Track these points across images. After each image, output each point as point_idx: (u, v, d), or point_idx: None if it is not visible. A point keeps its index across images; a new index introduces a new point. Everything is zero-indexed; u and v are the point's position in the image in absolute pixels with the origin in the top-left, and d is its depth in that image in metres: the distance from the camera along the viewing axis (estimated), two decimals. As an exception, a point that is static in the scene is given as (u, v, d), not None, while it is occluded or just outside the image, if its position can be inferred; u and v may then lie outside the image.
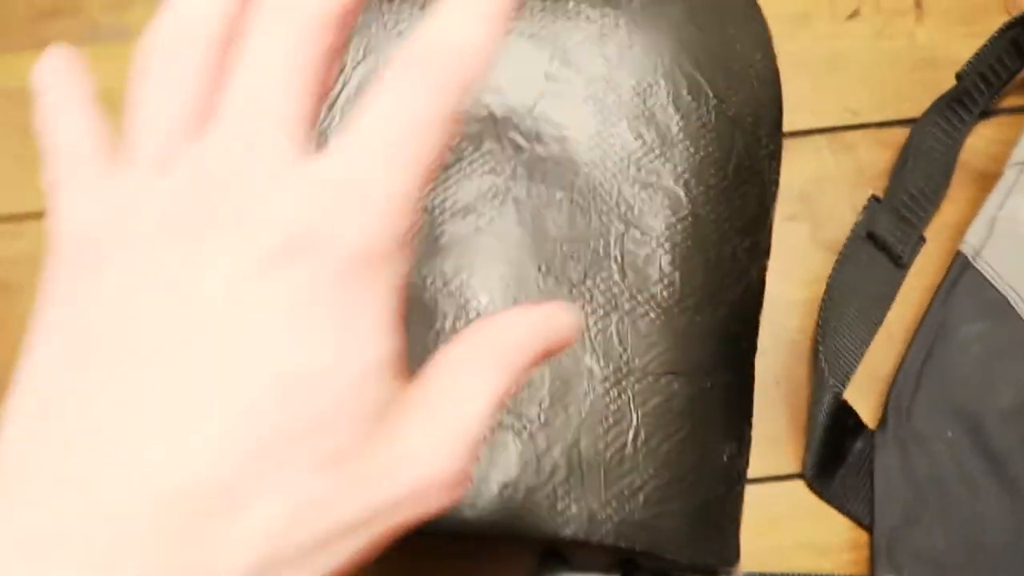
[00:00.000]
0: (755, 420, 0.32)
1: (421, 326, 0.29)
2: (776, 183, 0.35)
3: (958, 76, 0.35)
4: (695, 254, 0.31)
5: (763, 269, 0.34)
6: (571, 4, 0.33)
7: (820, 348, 0.31)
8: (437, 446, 0.16)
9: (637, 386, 0.29)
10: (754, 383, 0.32)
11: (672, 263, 0.31)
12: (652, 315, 0.30)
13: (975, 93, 0.35)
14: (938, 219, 0.35)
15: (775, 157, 0.35)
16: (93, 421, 0.14)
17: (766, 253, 0.34)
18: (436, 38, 0.16)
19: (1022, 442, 0.29)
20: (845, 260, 0.33)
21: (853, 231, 0.34)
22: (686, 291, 0.30)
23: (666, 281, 0.30)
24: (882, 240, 0.34)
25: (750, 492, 0.31)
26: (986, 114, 0.36)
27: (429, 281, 0.30)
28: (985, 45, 0.34)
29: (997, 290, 0.32)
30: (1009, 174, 0.33)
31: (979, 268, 0.32)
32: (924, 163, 0.35)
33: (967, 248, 0.33)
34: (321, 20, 0.16)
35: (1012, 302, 0.31)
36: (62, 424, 0.15)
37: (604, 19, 0.33)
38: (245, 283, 0.15)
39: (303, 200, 0.15)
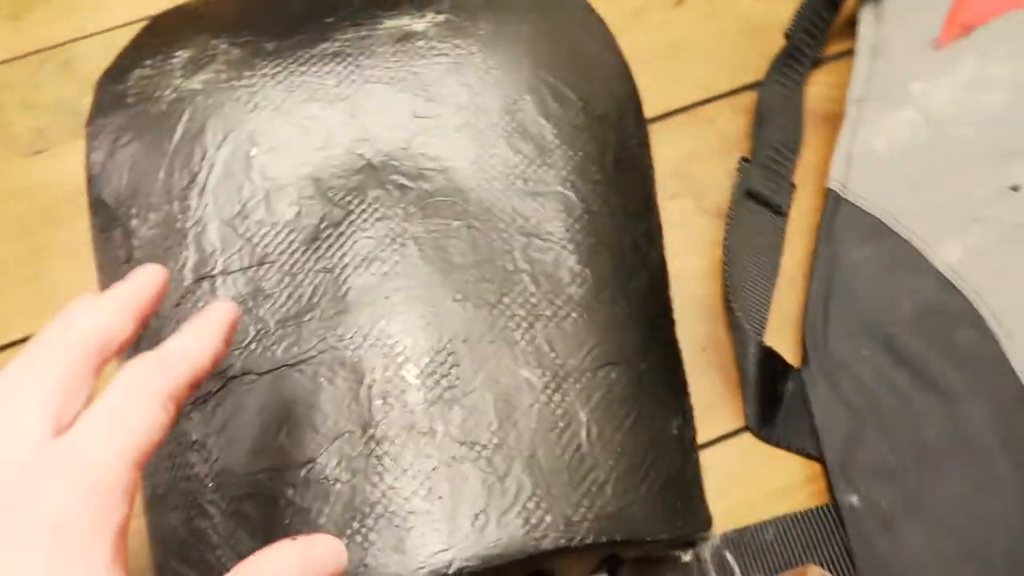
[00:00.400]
0: (692, 388, 0.33)
1: (352, 382, 0.29)
2: (651, 168, 0.37)
3: (786, 35, 0.38)
4: (599, 248, 0.32)
5: (661, 249, 0.35)
6: (421, 43, 0.34)
7: (733, 306, 0.33)
8: None
9: (577, 385, 0.30)
10: (681, 355, 0.33)
11: (580, 261, 0.32)
12: (575, 315, 0.31)
13: (804, 47, 0.38)
14: (801, 165, 0.38)
15: (645, 144, 0.36)
16: None
17: (660, 234, 0.35)
18: (165, 348, 0.23)
19: (931, 344, 0.32)
20: (733, 221, 0.35)
21: (733, 193, 0.36)
22: (600, 285, 0.31)
23: (579, 280, 0.31)
24: (760, 195, 0.36)
25: (705, 457, 0.32)
26: (818, 63, 0.40)
27: (348, 339, 0.29)
28: (802, 3, 0.37)
29: (870, 214, 0.34)
30: (851, 111, 0.36)
31: (849, 199, 0.35)
32: (777, 118, 0.37)
33: (834, 184, 0.35)
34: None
35: (885, 222, 0.34)
36: None
37: (457, 50, 0.34)
38: None
39: (28, 471, 0.20)
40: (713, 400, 0.34)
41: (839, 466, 0.31)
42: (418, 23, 0.35)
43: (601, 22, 0.37)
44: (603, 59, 0.36)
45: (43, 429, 0.20)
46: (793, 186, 0.37)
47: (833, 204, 0.35)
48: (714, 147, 0.38)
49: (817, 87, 0.39)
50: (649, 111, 0.39)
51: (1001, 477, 0.29)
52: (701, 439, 0.33)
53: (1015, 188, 0.33)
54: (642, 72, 0.39)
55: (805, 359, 0.33)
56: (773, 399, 0.33)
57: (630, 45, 0.40)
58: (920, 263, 0.33)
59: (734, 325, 0.33)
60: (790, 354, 0.34)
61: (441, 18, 0.35)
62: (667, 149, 0.38)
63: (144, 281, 0.24)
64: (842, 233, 0.34)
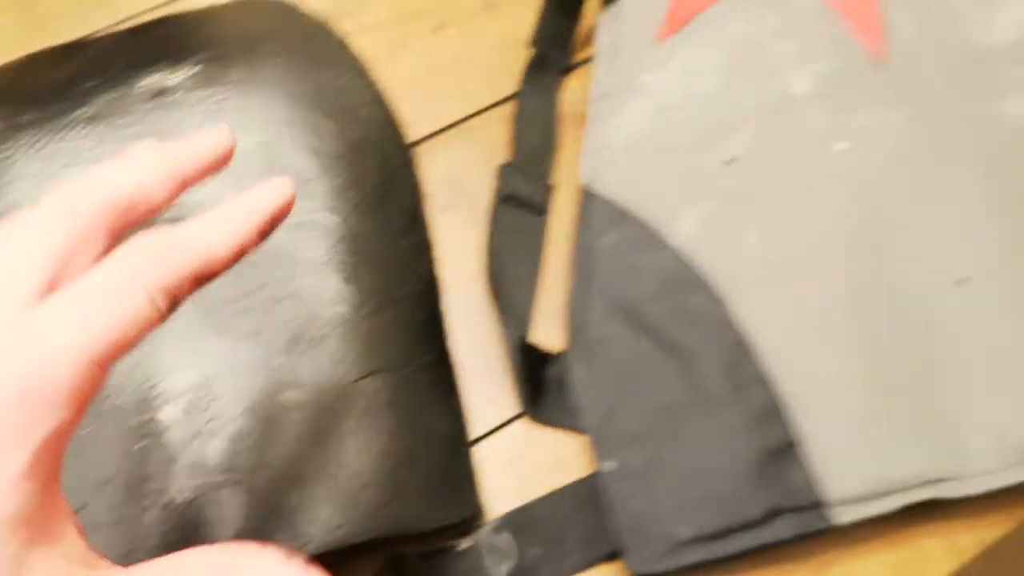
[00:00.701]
0: (479, 380, 0.36)
1: (115, 428, 0.30)
2: (418, 185, 0.39)
3: (531, 45, 0.41)
4: (362, 265, 0.34)
5: (430, 260, 0.38)
6: (176, 96, 0.36)
7: (497, 305, 0.35)
8: None
9: (340, 399, 0.32)
10: (451, 356, 0.35)
11: (344, 280, 0.34)
12: (339, 331, 0.33)
13: (551, 56, 0.41)
14: (562, 165, 0.41)
15: (408, 163, 0.39)
16: None
17: (429, 245, 0.38)
18: (181, 228, 0.19)
19: (670, 312, 0.35)
20: (494, 225, 0.38)
21: (494, 198, 0.38)
22: (363, 299, 0.34)
23: (341, 298, 0.33)
24: (519, 198, 0.39)
25: (487, 445, 0.35)
26: (569, 69, 0.43)
27: (113, 386, 0.31)
28: (540, 15, 0.40)
29: (615, 203, 0.37)
30: (593, 108, 0.39)
31: (598, 192, 0.38)
32: (532, 124, 0.40)
33: (585, 180, 0.38)
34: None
35: (628, 208, 0.37)
36: None
37: (210, 99, 0.36)
38: None
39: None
40: (493, 392, 0.36)
41: (598, 436, 0.33)
42: (172, 78, 0.37)
43: (353, 55, 0.40)
44: (357, 89, 0.39)
45: (29, 290, 0.18)
46: (552, 186, 0.40)
47: (586, 198, 0.38)
48: (480, 158, 0.41)
49: (572, 91, 0.42)
50: (419, 131, 0.42)
51: (732, 422, 0.32)
52: (483, 429, 0.35)
53: (731, 160, 0.36)
54: (409, 96, 0.42)
55: (570, 343, 0.36)
56: (539, 384, 0.35)
57: (396, 72, 0.43)
58: (658, 242, 0.36)
59: (501, 322, 0.36)
60: (561, 341, 0.37)
61: (195, 70, 0.37)
62: (437, 165, 0.41)
63: (204, 143, 0.21)
64: (593, 223, 0.37)
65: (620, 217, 0.37)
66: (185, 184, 0.21)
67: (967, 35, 0.36)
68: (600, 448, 0.33)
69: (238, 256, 0.20)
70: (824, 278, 0.34)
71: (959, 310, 0.33)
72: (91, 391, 0.18)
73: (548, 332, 0.37)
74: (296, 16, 0.42)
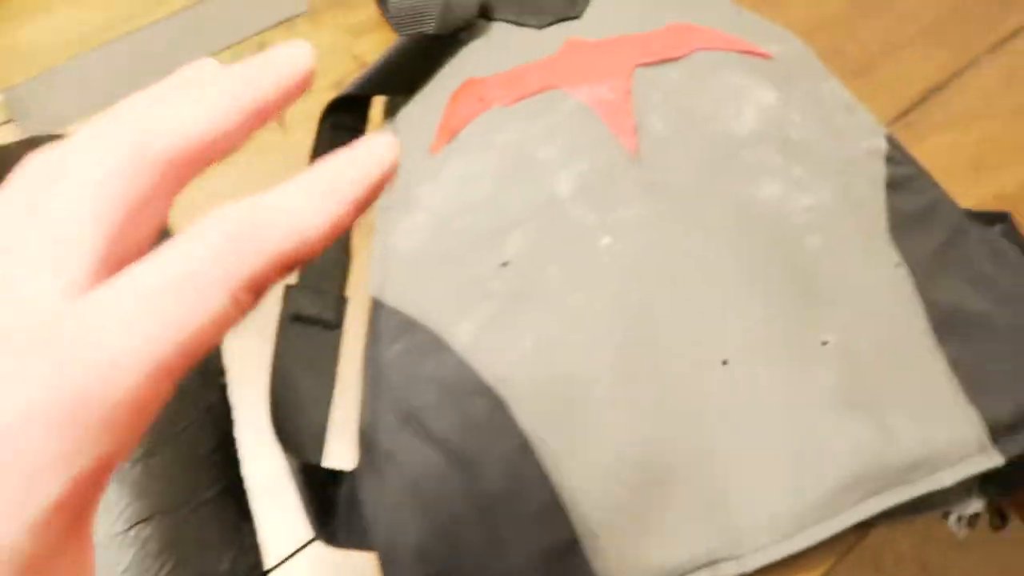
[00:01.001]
0: (268, 510, 0.35)
1: None
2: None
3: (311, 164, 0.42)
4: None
5: (222, 386, 0.37)
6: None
7: (277, 432, 0.35)
8: None
9: (111, 550, 0.31)
10: (243, 484, 0.35)
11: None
12: (113, 484, 0.32)
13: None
14: (354, 277, 0.41)
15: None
16: None
17: (218, 372, 0.37)
18: (268, 200, 0.15)
19: (453, 420, 0.35)
20: (281, 347, 0.38)
21: (279, 321, 0.39)
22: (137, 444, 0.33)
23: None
24: (307, 316, 0.39)
25: (289, 572, 0.34)
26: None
27: None
28: (316, 136, 0.41)
29: (402, 313, 0.38)
30: (379, 220, 0.40)
31: (386, 302, 0.39)
32: (320, 240, 0.41)
33: (374, 290, 0.39)
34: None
35: (413, 316, 0.38)
36: None
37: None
38: None
39: (28, 335, 0.13)
40: (289, 517, 0.36)
41: (385, 556, 0.33)
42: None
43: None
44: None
45: (80, 272, 0.14)
46: (346, 299, 0.41)
47: (376, 309, 0.39)
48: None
49: (374, 202, 0.44)
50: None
51: (516, 526, 0.32)
52: (277, 558, 0.35)
53: (505, 264, 0.37)
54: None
55: (359, 459, 0.36)
56: (328, 505, 0.35)
57: (185, 201, 0.43)
58: (442, 349, 0.37)
59: (281, 446, 0.35)
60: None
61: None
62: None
63: (280, 58, 0.16)
64: (382, 334, 0.38)
65: (407, 326, 0.38)
66: (263, 118, 0.16)
67: (714, 128, 0.39)
68: (387, 568, 0.33)
69: (334, 236, 0.16)
70: (596, 374, 0.35)
71: (725, 391, 0.34)
72: (154, 410, 0.14)
73: (346, 449, 0.37)
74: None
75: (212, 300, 0.14)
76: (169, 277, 0.14)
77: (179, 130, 0.15)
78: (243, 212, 0.15)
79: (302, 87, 0.17)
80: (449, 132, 0.40)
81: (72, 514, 0.13)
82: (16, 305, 0.14)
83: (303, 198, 0.15)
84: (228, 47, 0.47)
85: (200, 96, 0.16)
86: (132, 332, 0.13)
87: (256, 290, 0.15)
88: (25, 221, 0.14)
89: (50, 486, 0.13)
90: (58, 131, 0.45)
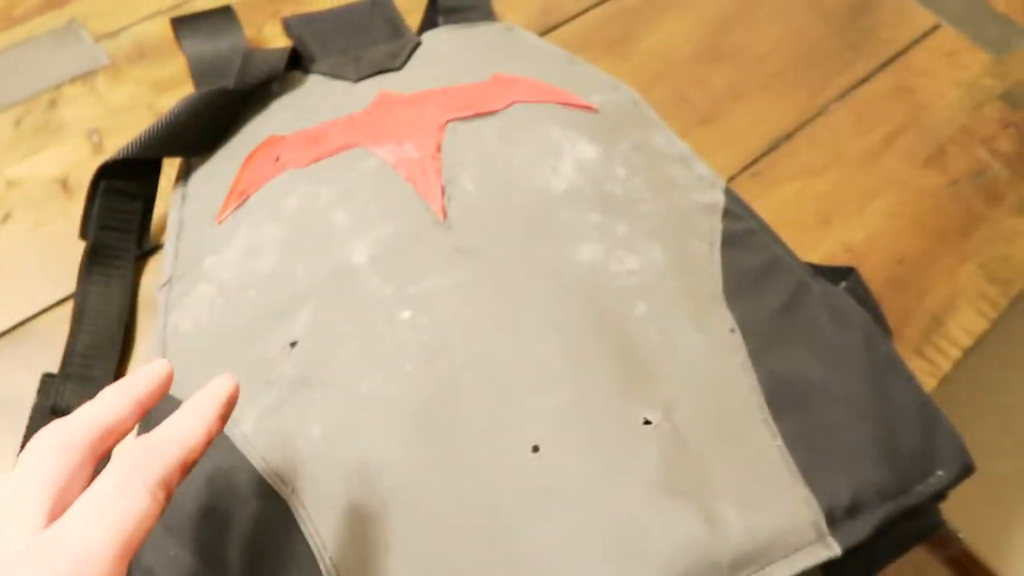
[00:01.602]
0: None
1: None
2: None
3: (81, 235, 0.37)
4: None
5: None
6: None
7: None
8: None
9: None
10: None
11: None
12: None
13: (112, 242, 0.37)
14: (138, 360, 0.37)
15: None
16: None
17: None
18: (158, 432, 0.23)
19: (224, 526, 0.30)
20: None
21: (31, 415, 0.33)
22: None
23: None
24: (70, 408, 0.34)
25: None
26: (152, 252, 0.39)
27: None
28: (86, 200, 0.37)
29: (178, 400, 0.33)
30: (161, 296, 0.36)
31: (164, 389, 0.34)
32: (91, 320, 0.36)
33: (151, 377, 0.34)
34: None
35: (190, 406, 0.33)
36: None
37: None
38: None
39: (16, 563, 0.20)
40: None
41: None
42: None
43: None
44: None
45: (37, 520, 0.21)
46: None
47: (151, 398, 0.34)
48: (37, 365, 0.36)
49: (156, 275, 0.39)
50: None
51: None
52: None
53: (293, 344, 0.33)
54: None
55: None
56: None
57: (-53, 276, 0.38)
58: (221, 440, 0.32)
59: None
60: None
61: None
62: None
63: (148, 373, 0.25)
64: (154, 425, 0.33)
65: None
66: (145, 408, 0.24)
67: (529, 186, 0.36)
68: None
69: (210, 441, 0.24)
70: (387, 470, 0.30)
71: (533, 481, 0.30)
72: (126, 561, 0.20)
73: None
74: None
75: (137, 499, 0.21)
76: (105, 490, 0.21)
77: (90, 421, 0.23)
78: (146, 439, 0.23)
79: (166, 387, 0.25)
80: (238, 196, 0.36)
81: None
82: (11, 534, 0.20)
83: (186, 421, 0.24)
84: (13, 105, 0.43)
85: (103, 399, 0.24)
86: (92, 533, 0.20)
87: (167, 487, 0.22)
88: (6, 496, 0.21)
89: None
90: None
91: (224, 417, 0.24)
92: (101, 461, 0.23)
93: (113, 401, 0.24)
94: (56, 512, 0.21)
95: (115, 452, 0.22)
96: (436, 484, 0.30)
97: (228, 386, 0.25)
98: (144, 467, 0.22)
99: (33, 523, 0.21)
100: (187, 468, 0.23)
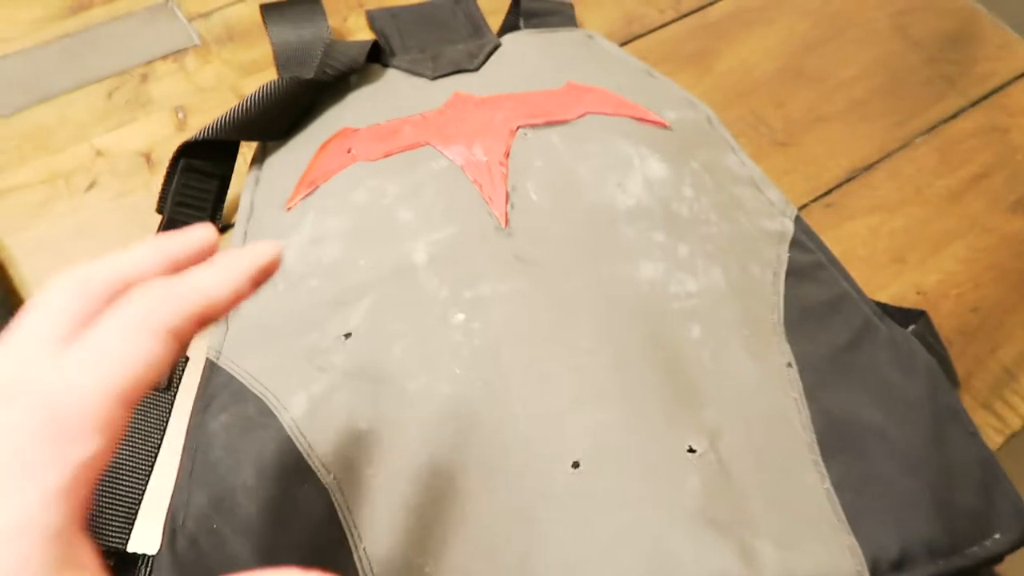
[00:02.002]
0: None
1: None
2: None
3: (157, 210, 0.38)
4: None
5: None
6: None
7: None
8: None
9: None
10: None
11: None
12: None
13: (186, 219, 0.39)
14: (202, 335, 0.38)
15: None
16: None
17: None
18: (180, 277, 0.21)
19: (269, 507, 0.31)
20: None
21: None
22: None
23: None
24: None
25: None
26: (223, 230, 0.40)
27: None
28: (165, 177, 0.38)
29: (235, 378, 0.34)
30: (228, 276, 0.37)
31: (222, 365, 0.35)
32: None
33: (211, 352, 0.35)
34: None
35: (246, 384, 0.34)
36: None
37: None
38: None
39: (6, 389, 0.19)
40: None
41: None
42: None
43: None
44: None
45: (41, 350, 0.20)
46: (185, 358, 0.37)
47: (208, 371, 0.35)
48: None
49: (229, 251, 0.40)
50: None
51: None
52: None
53: (348, 335, 0.34)
54: (43, 262, 0.39)
55: (163, 543, 0.32)
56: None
57: (34, 236, 0.40)
58: (270, 422, 0.33)
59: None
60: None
61: None
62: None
63: (191, 235, 0.23)
64: (211, 400, 0.34)
65: (238, 395, 0.34)
66: (176, 267, 0.22)
67: (594, 200, 0.36)
68: None
69: (236, 301, 0.22)
70: (430, 468, 0.31)
71: (570, 497, 0.30)
72: (119, 427, 0.19)
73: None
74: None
75: (145, 343, 0.19)
76: (107, 330, 0.20)
77: (113, 267, 0.21)
78: (163, 283, 0.21)
79: (207, 254, 0.23)
80: (308, 185, 0.37)
81: (75, 501, 0.18)
82: (10, 362, 0.20)
83: (213, 275, 0.21)
84: (107, 77, 0.44)
85: (133, 252, 0.22)
86: (87, 372, 0.19)
87: (180, 338, 0.20)
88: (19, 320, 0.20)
89: (53, 476, 0.18)
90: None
91: (256, 282, 0.22)
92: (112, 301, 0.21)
93: (143, 254, 0.22)
94: (65, 346, 0.20)
95: (131, 292, 0.20)
96: (475, 488, 0.31)
97: (270, 251, 0.23)
98: (156, 309, 0.20)
99: (47, 340, 0.19)
100: (204, 323, 0.21)
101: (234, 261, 0.22)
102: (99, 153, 0.42)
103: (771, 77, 0.47)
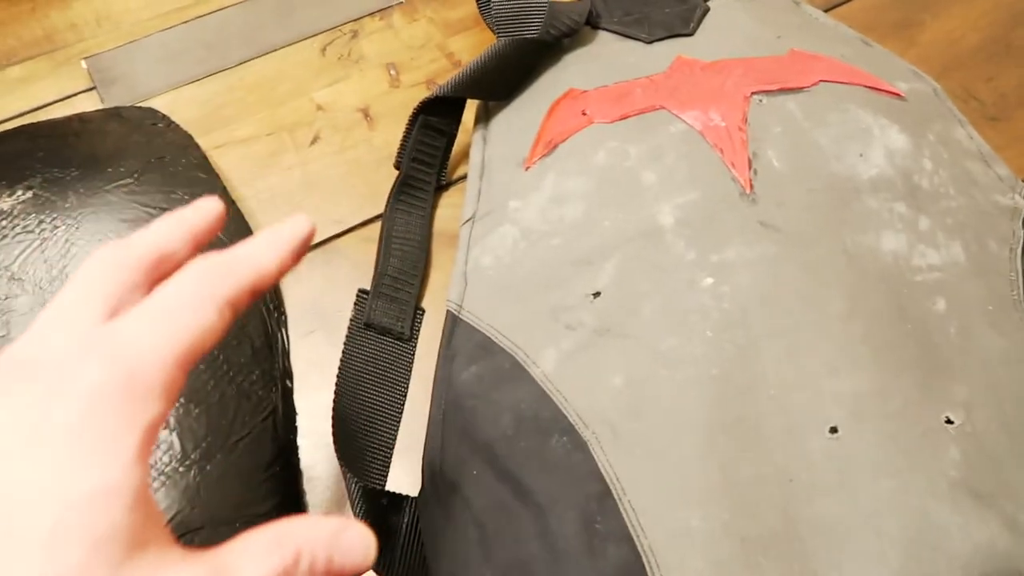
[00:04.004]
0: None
1: None
2: (279, 309, 0.37)
3: (396, 166, 0.39)
4: (191, 410, 0.32)
5: (287, 391, 0.35)
6: (4, 222, 0.34)
7: (339, 450, 0.33)
8: None
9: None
10: (302, 500, 0.33)
11: (164, 427, 0.31)
12: (157, 487, 0.30)
13: (419, 175, 0.40)
14: (432, 288, 0.39)
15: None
16: None
17: (285, 376, 0.35)
18: (231, 251, 0.23)
19: (527, 455, 0.32)
20: (348, 356, 0.36)
21: (350, 327, 0.36)
22: (187, 448, 0.31)
23: (163, 448, 0.31)
24: (379, 325, 0.37)
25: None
26: (446, 186, 0.41)
27: None
28: (404, 134, 0.39)
29: (479, 331, 0.35)
30: (464, 231, 0.38)
31: (464, 319, 0.36)
32: (399, 245, 0.39)
33: (451, 305, 0.37)
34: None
35: (492, 337, 0.35)
36: None
37: (41, 226, 0.34)
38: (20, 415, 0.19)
39: (69, 353, 0.20)
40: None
41: (443, 595, 0.31)
42: (4, 202, 0.35)
43: (213, 174, 0.38)
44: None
45: (92, 317, 0.20)
46: (421, 310, 0.38)
47: (451, 325, 0.36)
48: (345, 278, 0.39)
49: (451, 208, 0.41)
50: (283, 251, 0.40)
51: (586, 584, 0.30)
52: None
53: (596, 294, 0.35)
54: (274, 212, 0.40)
55: (422, 487, 0.33)
56: (388, 533, 0.33)
57: (266, 187, 0.41)
58: (522, 375, 0.34)
59: (342, 469, 0.33)
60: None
61: (28, 195, 0.35)
62: (301, 287, 0.39)
63: (201, 207, 0.24)
64: (457, 353, 0.35)
65: (485, 348, 0.35)
66: (199, 243, 0.24)
67: (836, 170, 0.36)
68: (445, 609, 0.30)
69: (282, 273, 0.23)
70: (688, 425, 0.32)
71: (830, 462, 0.31)
72: (177, 390, 0.20)
73: (412, 473, 0.35)
74: (159, 129, 0.40)
75: (202, 312, 0.21)
76: (170, 299, 0.21)
77: (143, 245, 0.23)
78: (218, 257, 0.22)
79: (219, 226, 0.25)
80: (546, 145, 0.38)
81: (147, 464, 0.19)
82: (66, 330, 0.20)
83: (262, 249, 0.23)
84: (319, 33, 0.45)
85: (158, 228, 0.24)
86: (152, 336, 0.20)
87: (234, 308, 0.22)
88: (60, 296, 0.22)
89: (130, 439, 0.18)
90: (140, 103, 0.43)
91: (298, 256, 0.24)
92: (151, 287, 0.22)
93: (169, 229, 0.23)
94: (111, 316, 0.21)
95: (191, 265, 0.22)
96: (732, 447, 0.32)
97: (306, 225, 0.24)
98: (213, 281, 0.21)
99: (86, 319, 0.20)
100: (256, 295, 0.22)
101: (278, 236, 0.23)
102: (319, 108, 0.43)
103: (978, 50, 0.46)
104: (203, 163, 0.38)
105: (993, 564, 0.29)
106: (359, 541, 0.22)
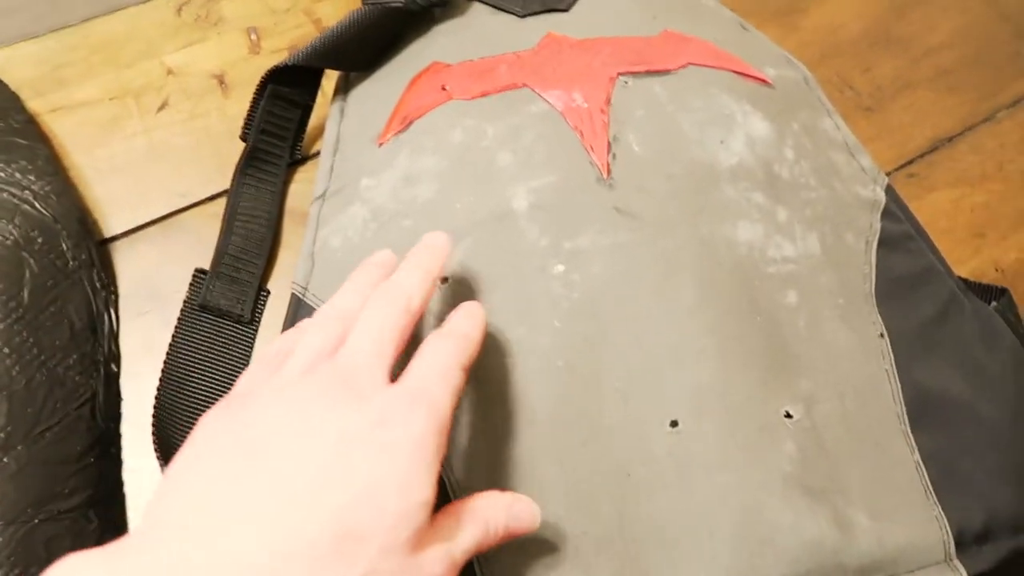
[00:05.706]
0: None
1: None
2: (108, 287, 0.34)
3: (242, 137, 0.37)
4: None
5: (110, 376, 0.33)
6: None
7: (157, 441, 0.31)
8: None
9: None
10: (121, 491, 0.31)
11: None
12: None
13: (269, 148, 0.37)
14: (281, 268, 0.37)
15: (94, 264, 0.34)
16: (230, 495, 0.22)
17: (110, 359, 0.33)
18: (453, 326, 0.28)
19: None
20: (179, 340, 0.33)
21: (183, 309, 0.34)
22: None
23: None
24: (216, 307, 0.34)
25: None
26: (302, 161, 0.39)
27: None
28: (251, 103, 0.37)
29: (323, 317, 0.34)
30: (314, 209, 0.36)
31: (308, 302, 0.34)
32: (243, 222, 0.36)
33: (296, 287, 0.34)
34: (407, 307, 0.27)
35: (335, 324, 0.33)
36: (206, 496, 0.22)
37: None
38: (347, 435, 0.23)
39: (385, 399, 0.24)
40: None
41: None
42: None
43: (39, 140, 0.35)
44: (32, 179, 0.34)
45: (383, 374, 0.25)
46: (266, 292, 0.36)
47: (295, 307, 0.34)
48: (186, 258, 0.36)
49: (307, 184, 0.39)
50: (120, 225, 0.37)
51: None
52: None
53: (444, 280, 0.33)
54: (113, 183, 0.38)
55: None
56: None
57: (103, 156, 0.38)
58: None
59: (161, 454, 0.31)
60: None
61: None
62: (137, 264, 0.36)
63: (435, 248, 0.30)
64: (296, 338, 0.33)
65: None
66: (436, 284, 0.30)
67: (697, 156, 0.35)
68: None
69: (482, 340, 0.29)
70: (528, 418, 0.31)
71: (668, 456, 0.30)
72: (441, 454, 0.25)
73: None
74: (-18, 89, 0.37)
75: (457, 377, 0.26)
76: (444, 362, 0.26)
77: (417, 298, 0.28)
78: (451, 334, 0.28)
79: (445, 258, 0.31)
80: (402, 121, 0.36)
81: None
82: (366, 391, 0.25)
83: (467, 321, 0.28)
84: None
85: (420, 277, 0.29)
86: (443, 390, 0.25)
87: (466, 373, 0.27)
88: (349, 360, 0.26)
89: (437, 465, 0.24)
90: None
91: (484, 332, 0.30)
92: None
93: (419, 277, 0.28)
94: (389, 371, 0.25)
95: (436, 339, 0.27)
96: (571, 441, 0.31)
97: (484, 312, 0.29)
98: (458, 349, 0.27)
99: (380, 377, 0.25)
100: (475, 354, 0.28)
101: (474, 315, 0.29)
102: (170, 72, 0.40)
103: (858, 39, 0.46)
104: (26, 127, 0.35)
105: (819, 560, 0.29)
106: (528, 509, 0.27)
